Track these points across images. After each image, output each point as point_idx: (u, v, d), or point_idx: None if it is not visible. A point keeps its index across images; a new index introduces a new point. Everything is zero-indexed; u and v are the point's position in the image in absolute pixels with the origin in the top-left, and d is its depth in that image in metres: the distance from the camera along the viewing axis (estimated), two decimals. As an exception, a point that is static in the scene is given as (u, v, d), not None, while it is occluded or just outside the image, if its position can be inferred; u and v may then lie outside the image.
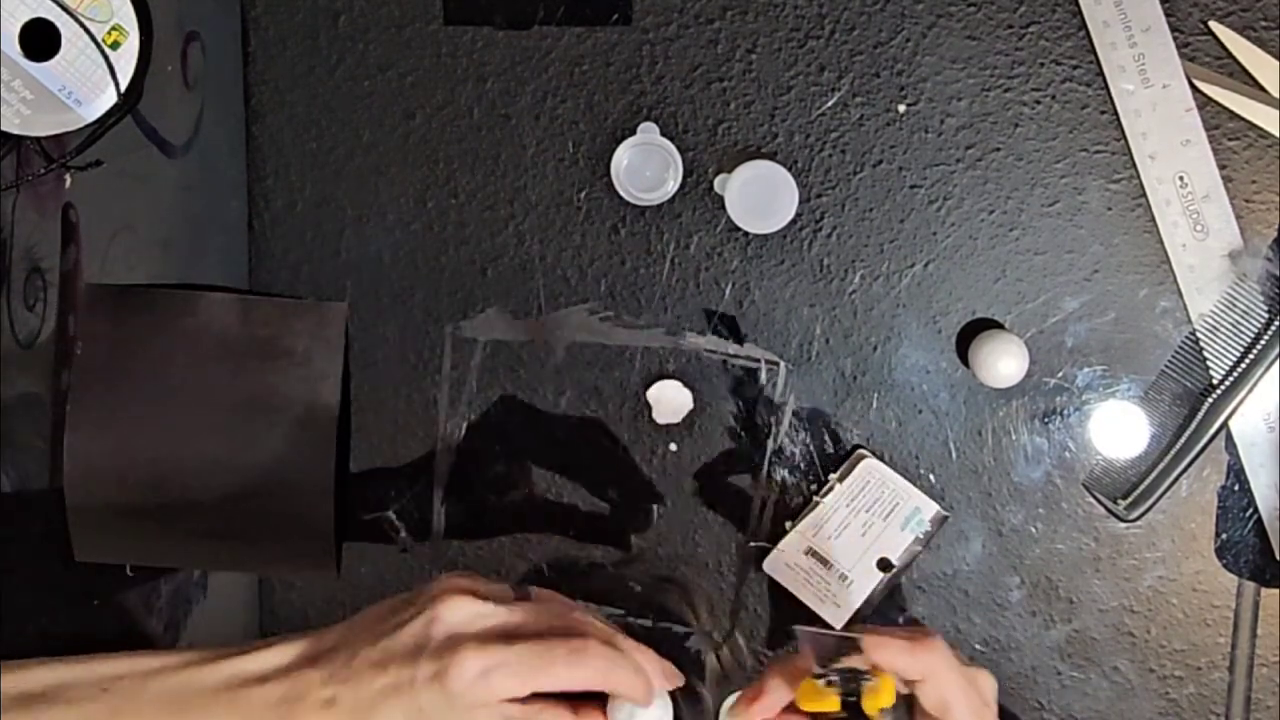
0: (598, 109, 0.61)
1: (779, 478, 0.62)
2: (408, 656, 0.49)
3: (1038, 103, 0.59)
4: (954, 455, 0.60)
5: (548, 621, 0.50)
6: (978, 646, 0.61)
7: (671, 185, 0.59)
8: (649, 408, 0.62)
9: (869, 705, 0.46)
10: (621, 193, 0.60)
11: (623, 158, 0.59)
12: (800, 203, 0.59)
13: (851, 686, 0.47)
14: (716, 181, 0.60)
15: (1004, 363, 0.57)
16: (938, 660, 0.48)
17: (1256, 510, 0.59)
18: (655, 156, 0.59)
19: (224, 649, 0.52)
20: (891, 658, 0.47)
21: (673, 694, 0.52)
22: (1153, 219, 0.59)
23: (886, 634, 0.48)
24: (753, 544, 0.62)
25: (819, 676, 0.47)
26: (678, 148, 0.59)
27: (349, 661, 0.50)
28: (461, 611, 0.49)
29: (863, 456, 0.60)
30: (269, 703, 0.50)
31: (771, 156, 0.60)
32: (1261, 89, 0.57)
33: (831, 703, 0.47)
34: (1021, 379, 0.58)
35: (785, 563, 0.61)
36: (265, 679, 0.51)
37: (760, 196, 0.58)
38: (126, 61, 0.60)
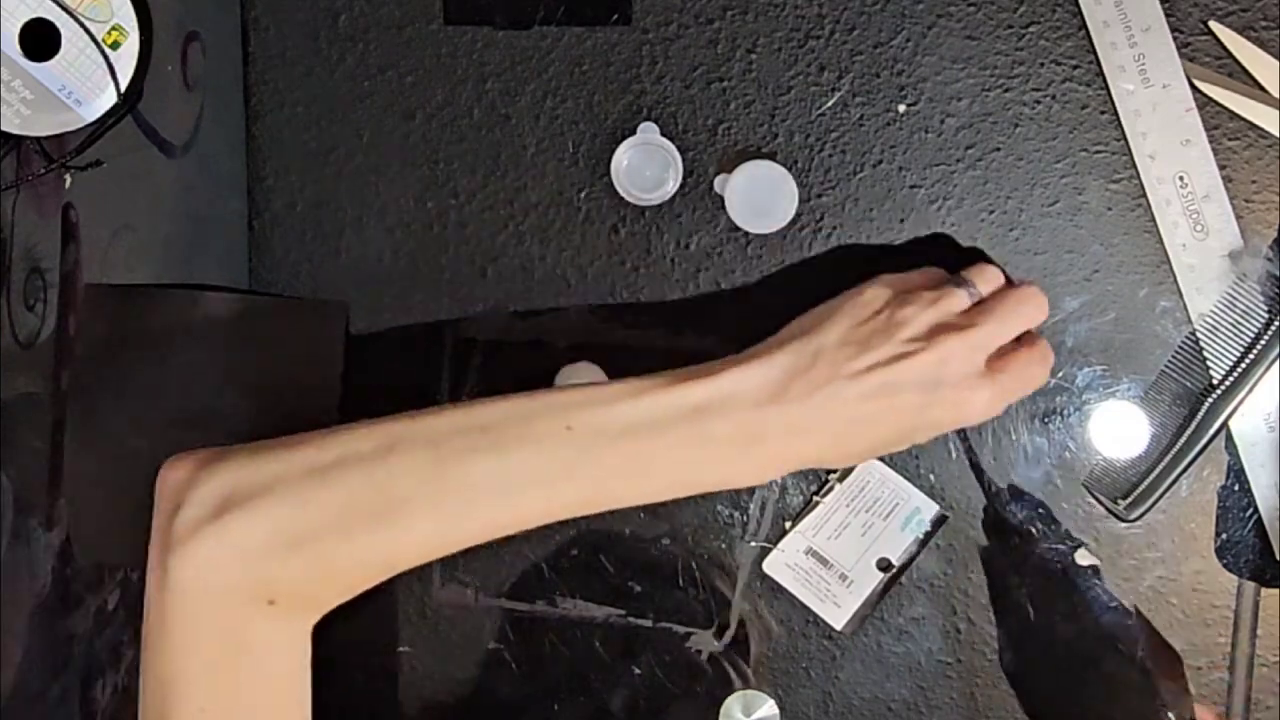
0: (598, 109, 0.61)
1: (778, 477, 0.62)
2: (922, 390, 0.51)
3: (1038, 103, 0.59)
4: (954, 455, 0.60)
5: (1018, 317, 0.54)
6: (978, 646, 0.61)
7: (671, 185, 0.59)
8: (649, 408, 0.62)
9: None
10: (621, 193, 0.60)
11: (623, 158, 0.59)
12: (800, 203, 0.59)
13: None
14: (716, 181, 0.60)
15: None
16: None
17: (1256, 510, 0.59)
18: (655, 156, 0.59)
19: (685, 372, 0.52)
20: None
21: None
22: (1153, 219, 0.59)
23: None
24: (753, 544, 0.62)
25: None
26: (678, 148, 0.59)
27: (836, 394, 0.51)
28: (966, 347, 0.52)
29: None
30: (739, 437, 0.50)
31: (771, 156, 0.60)
32: (1261, 89, 0.57)
33: None
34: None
35: (785, 563, 0.61)
36: (733, 407, 0.51)
37: (760, 196, 0.58)
38: (126, 61, 0.60)
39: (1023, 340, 0.55)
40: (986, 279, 0.56)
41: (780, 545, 0.61)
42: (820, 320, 0.54)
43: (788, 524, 0.61)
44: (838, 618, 0.61)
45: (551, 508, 0.50)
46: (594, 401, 0.51)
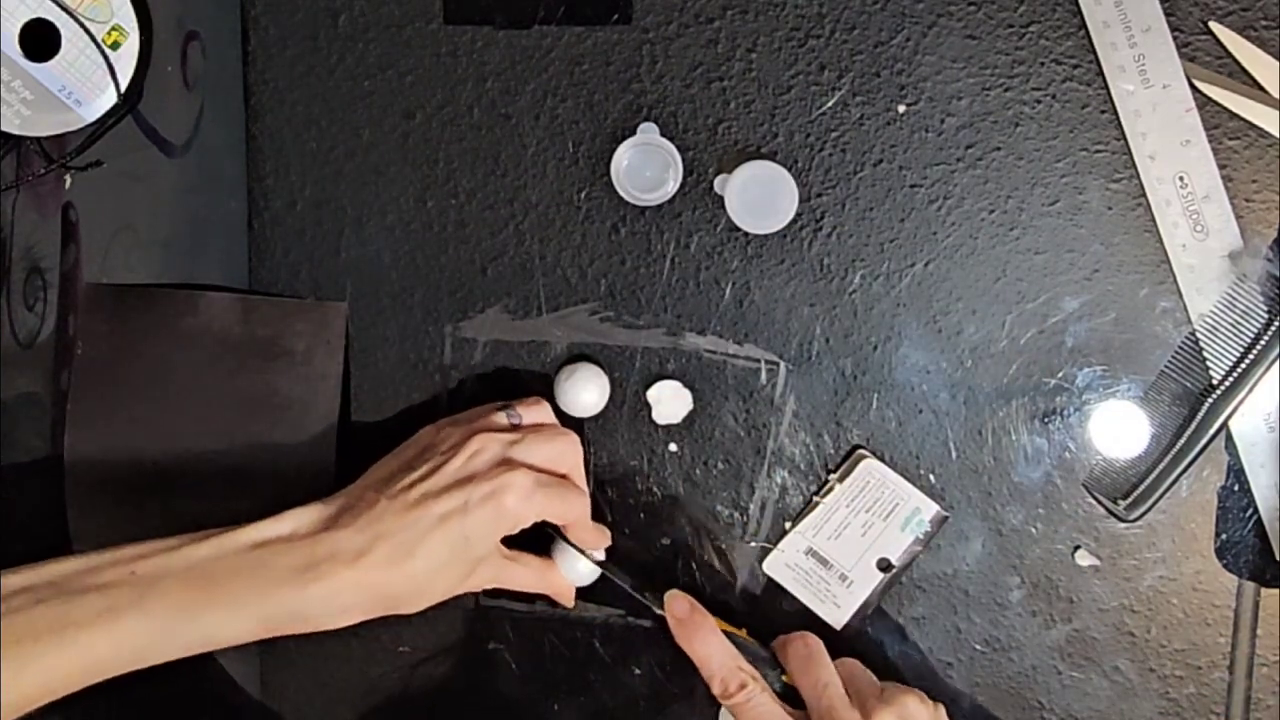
0: (598, 109, 0.61)
1: (779, 478, 0.62)
2: (457, 486, 0.54)
3: (1038, 102, 0.59)
4: (954, 455, 0.60)
5: (551, 444, 0.57)
6: (978, 647, 0.61)
7: (671, 185, 0.59)
8: (649, 408, 0.62)
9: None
10: (621, 193, 0.60)
11: (623, 158, 0.59)
12: (800, 203, 0.59)
13: None
14: (716, 181, 0.60)
15: (586, 394, 0.61)
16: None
17: (1256, 510, 0.59)
18: (655, 156, 0.59)
19: (245, 522, 0.53)
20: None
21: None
22: (1153, 219, 0.59)
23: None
24: (753, 544, 0.62)
25: None
26: (678, 148, 0.59)
27: (381, 514, 0.53)
28: (496, 442, 0.55)
29: (863, 457, 0.60)
30: (295, 566, 0.52)
31: (771, 156, 0.60)
32: (1261, 89, 0.57)
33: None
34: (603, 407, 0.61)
35: (785, 563, 0.61)
36: (290, 540, 0.53)
37: (760, 196, 0.58)
38: (126, 61, 0.60)
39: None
40: (529, 405, 0.59)
41: (780, 545, 0.61)
42: (377, 464, 0.57)
43: (788, 524, 0.61)
44: (838, 618, 0.61)
45: (119, 651, 0.50)
46: (159, 549, 0.52)
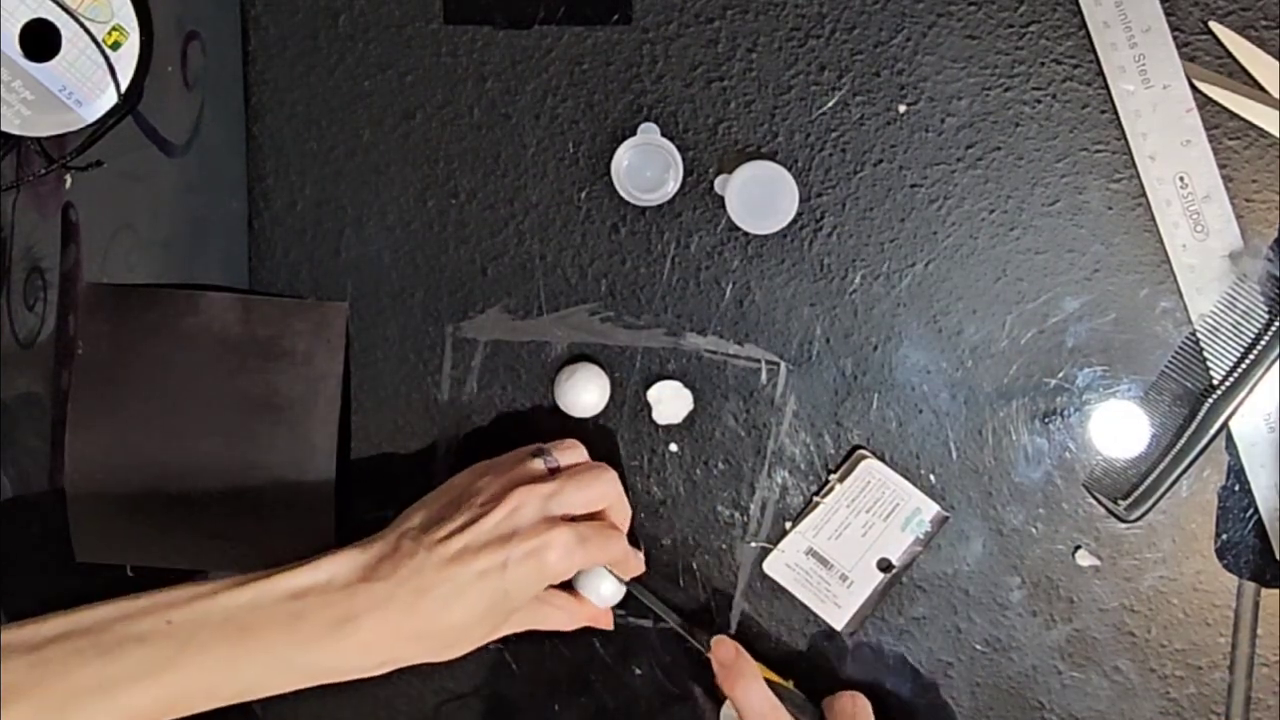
0: (598, 109, 0.61)
1: (779, 478, 0.62)
2: (498, 543, 0.53)
3: (1038, 102, 0.59)
4: (954, 455, 0.60)
5: (590, 488, 0.57)
6: (978, 647, 0.61)
7: (671, 185, 0.59)
8: (649, 408, 0.62)
9: None
10: (621, 193, 0.60)
11: (623, 158, 0.59)
12: (800, 203, 0.59)
13: None
14: (717, 182, 0.60)
15: (586, 394, 0.61)
16: None
17: (1256, 510, 0.59)
18: (655, 156, 0.59)
19: (281, 567, 0.53)
20: None
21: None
22: (1153, 219, 0.59)
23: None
24: (753, 544, 0.62)
25: None
26: (678, 148, 0.59)
27: (420, 567, 0.53)
28: (536, 497, 0.55)
29: (863, 457, 0.60)
30: (333, 618, 0.52)
31: (771, 156, 0.60)
32: (1261, 89, 0.57)
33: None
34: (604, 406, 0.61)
35: (785, 563, 0.61)
36: (327, 590, 0.52)
37: (760, 196, 0.58)
38: (126, 61, 0.60)
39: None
40: (564, 449, 0.58)
41: (780, 545, 0.61)
42: (412, 509, 0.57)
43: (788, 524, 0.61)
44: (838, 618, 0.61)
45: (159, 705, 0.50)
46: (195, 596, 0.52)
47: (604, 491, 0.57)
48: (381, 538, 0.55)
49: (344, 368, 0.62)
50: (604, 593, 0.60)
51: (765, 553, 0.62)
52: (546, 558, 0.54)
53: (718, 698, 0.62)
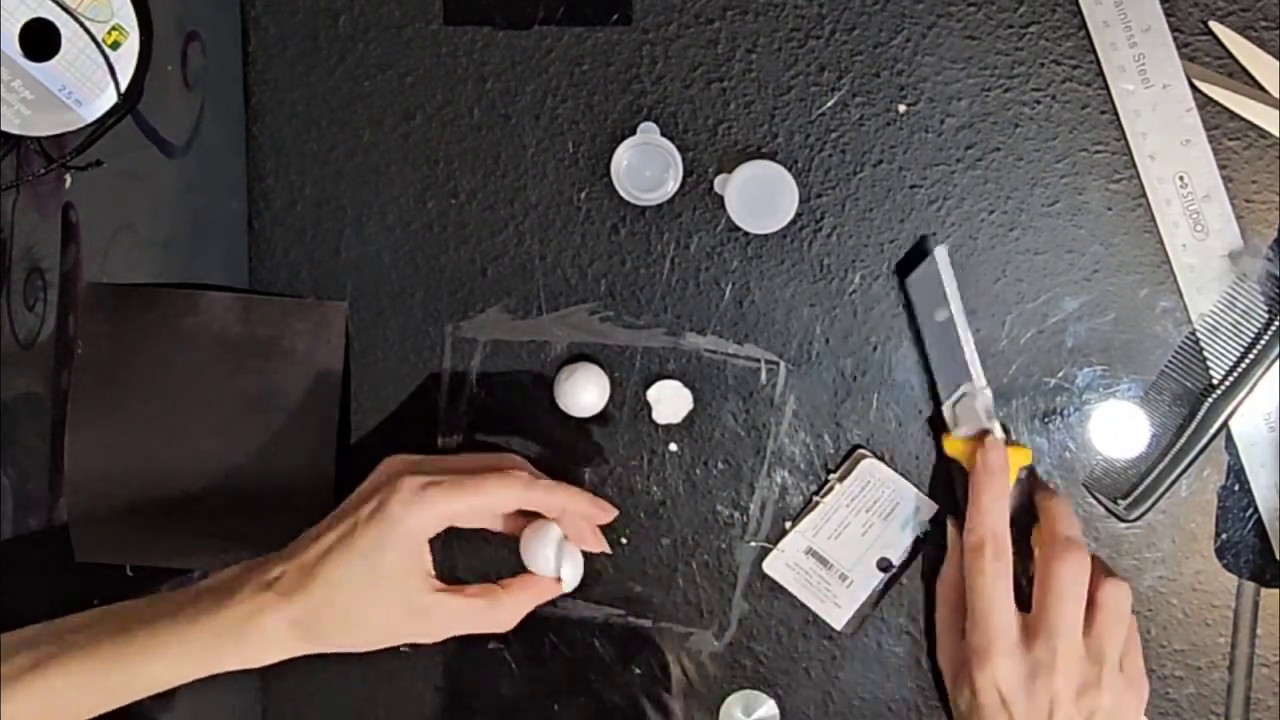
0: (598, 109, 0.61)
1: (778, 478, 0.62)
2: (349, 510, 0.54)
3: (1038, 103, 0.59)
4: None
5: (478, 461, 0.56)
6: (978, 646, 0.61)
7: (671, 185, 0.59)
8: (649, 408, 0.62)
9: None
10: (621, 193, 0.60)
11: (623, 158, 0.59)
12: (800, 203, 0.59)
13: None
14: (716, 181, 0.60)
15: (586, 394, 0.60)
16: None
17: (1256, 510, 0.59)
18: (655, 156, 0.59)
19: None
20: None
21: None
22: (1153, 219, 0.59)
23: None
24: (752, 544, 0.62)
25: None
26: (678, 148, 0.59)
27: (293, 549, 0.54)
28: (399, 461, 0.55)
29: (863, 456, 0.60)
30: (233, 617, 0.52)
31: (771, 156, 0.60)
32: (1261, 89, 0.57)
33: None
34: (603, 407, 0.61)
35: (785, 563, 0.61)
36: (220, 595, 0.53)
37: (760, 196, 0.58)
38: (126, 61, 0.60)
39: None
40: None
41: (780, 545, 0.61)
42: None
43: (788, 524, 0.61)
44: (838, 618, 0.61)
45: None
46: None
47: (498, 492, 0.55)
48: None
49: (344, 367, 0.62)
50: (548, 561, 0.56)
51: (765, 552, 0.62)
52: (389, 509, 0.53)
53: (723, 694, 0.63)
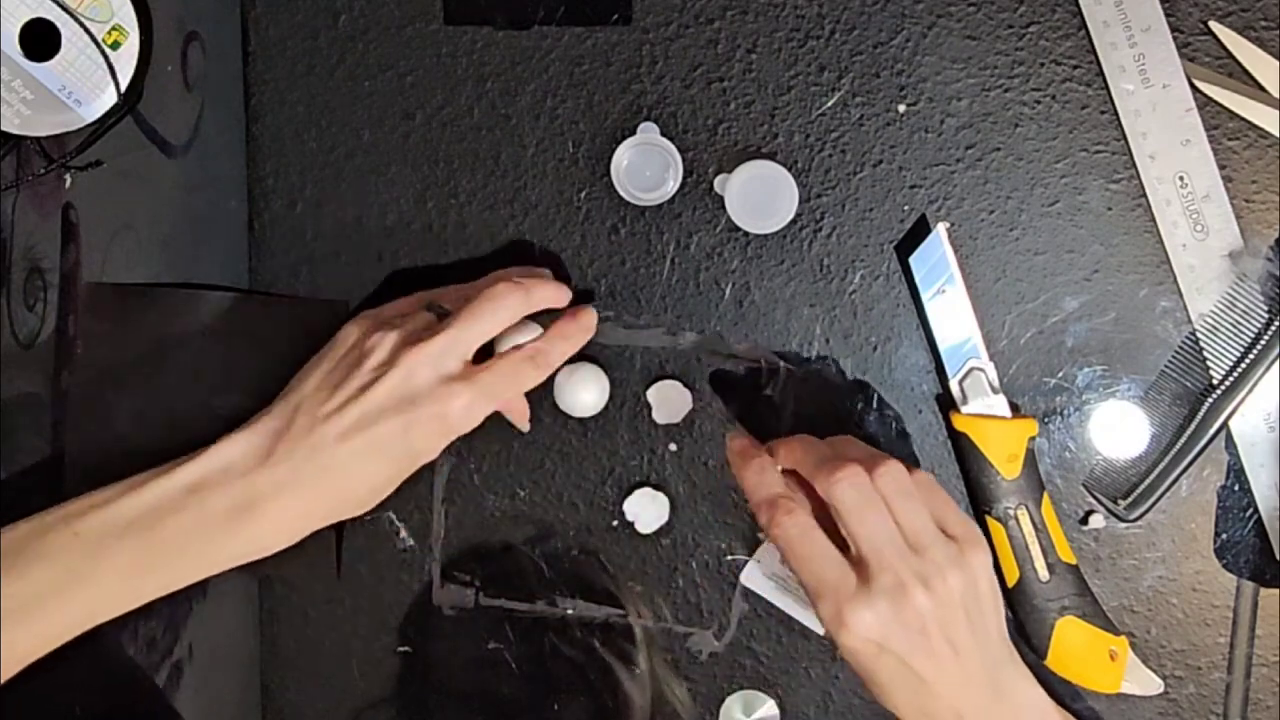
0: (598, 109, 0.61)
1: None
2: (395, 409, 0.52)
3: (1038, 103, 0.59)
4: (954, 455, 0.60)
5: (481, 319, 0.55)
6: (978, 646, 0.61)
7: (671, 185, 0.59)
8: (649, 408, 0.62)
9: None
10: (621, 193, 0.60)
11: (623, 158, 0.59)
12: (800, 203, 0.59)
13: None
14: (716, 181, 0.60)
15: (586, 394, 0.60)
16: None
17: (1256, 510, 0.59)
18: (655, 156, 0.59)
19: (177, 460, 0.53)
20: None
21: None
22: (1153, 219, 0.59)
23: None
24: (729, 557, 0.62)
25: None
26: (678, 148, 0.59)
27: (319, 444, 0.52)
28: (428, 356, 0.53)
29: None
30: (236, 506, 0.52)
31: (771, 156, 0.60)
32: (1261, 89, 0.57)
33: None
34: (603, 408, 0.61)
35: (763, 573, 0.61)
36: (226, 477, 0.52)
37: (760, 196, 0.58)
38: (126, 61, 0.60)
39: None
40: (451, 296, 0.57)
41: (756, 556, 0.61)
42: (301, 373, 0.56)
43: (760, 534, 0.61)
44: (819, 624, 0.61)
45: (80, 617, 0.50)
46: (98, 504, 0.52)
47: (499, 317, 0.55)
48: (273, 412, 0.54)
49: None
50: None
51: (741, 565, 0.61)
52: (449, 420, 0.53)
53: (720, 691, 0.63)
